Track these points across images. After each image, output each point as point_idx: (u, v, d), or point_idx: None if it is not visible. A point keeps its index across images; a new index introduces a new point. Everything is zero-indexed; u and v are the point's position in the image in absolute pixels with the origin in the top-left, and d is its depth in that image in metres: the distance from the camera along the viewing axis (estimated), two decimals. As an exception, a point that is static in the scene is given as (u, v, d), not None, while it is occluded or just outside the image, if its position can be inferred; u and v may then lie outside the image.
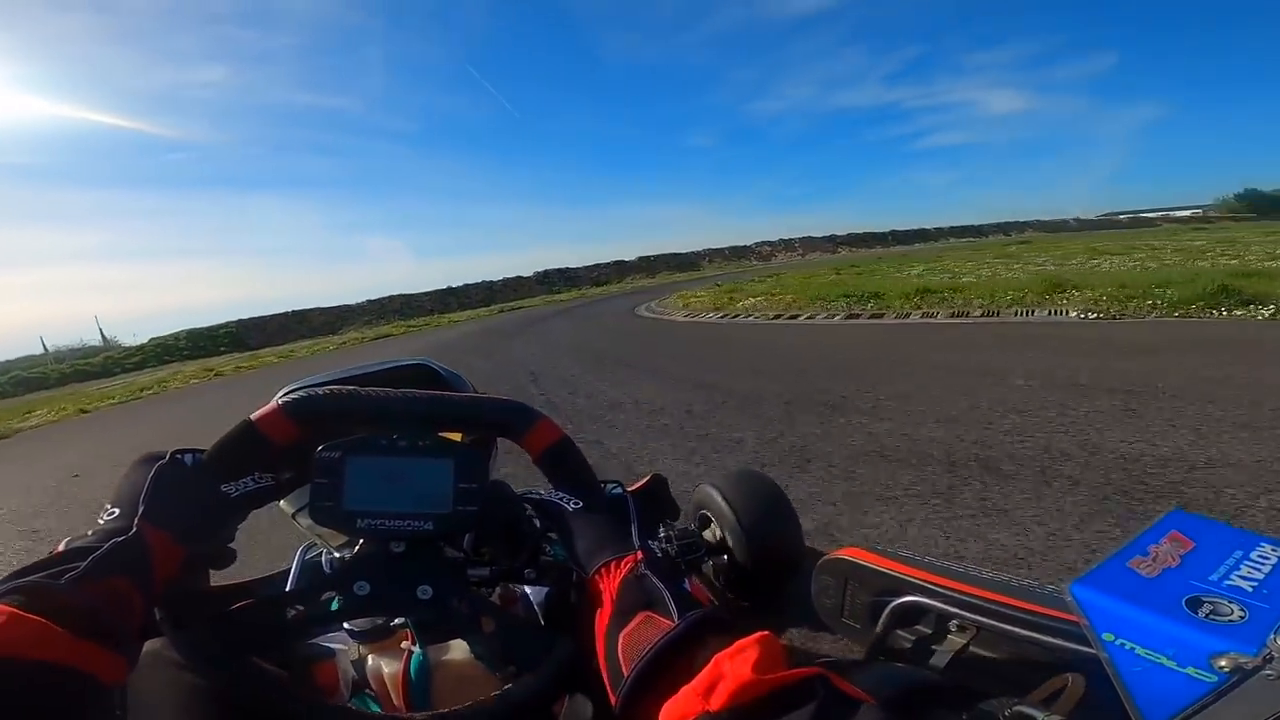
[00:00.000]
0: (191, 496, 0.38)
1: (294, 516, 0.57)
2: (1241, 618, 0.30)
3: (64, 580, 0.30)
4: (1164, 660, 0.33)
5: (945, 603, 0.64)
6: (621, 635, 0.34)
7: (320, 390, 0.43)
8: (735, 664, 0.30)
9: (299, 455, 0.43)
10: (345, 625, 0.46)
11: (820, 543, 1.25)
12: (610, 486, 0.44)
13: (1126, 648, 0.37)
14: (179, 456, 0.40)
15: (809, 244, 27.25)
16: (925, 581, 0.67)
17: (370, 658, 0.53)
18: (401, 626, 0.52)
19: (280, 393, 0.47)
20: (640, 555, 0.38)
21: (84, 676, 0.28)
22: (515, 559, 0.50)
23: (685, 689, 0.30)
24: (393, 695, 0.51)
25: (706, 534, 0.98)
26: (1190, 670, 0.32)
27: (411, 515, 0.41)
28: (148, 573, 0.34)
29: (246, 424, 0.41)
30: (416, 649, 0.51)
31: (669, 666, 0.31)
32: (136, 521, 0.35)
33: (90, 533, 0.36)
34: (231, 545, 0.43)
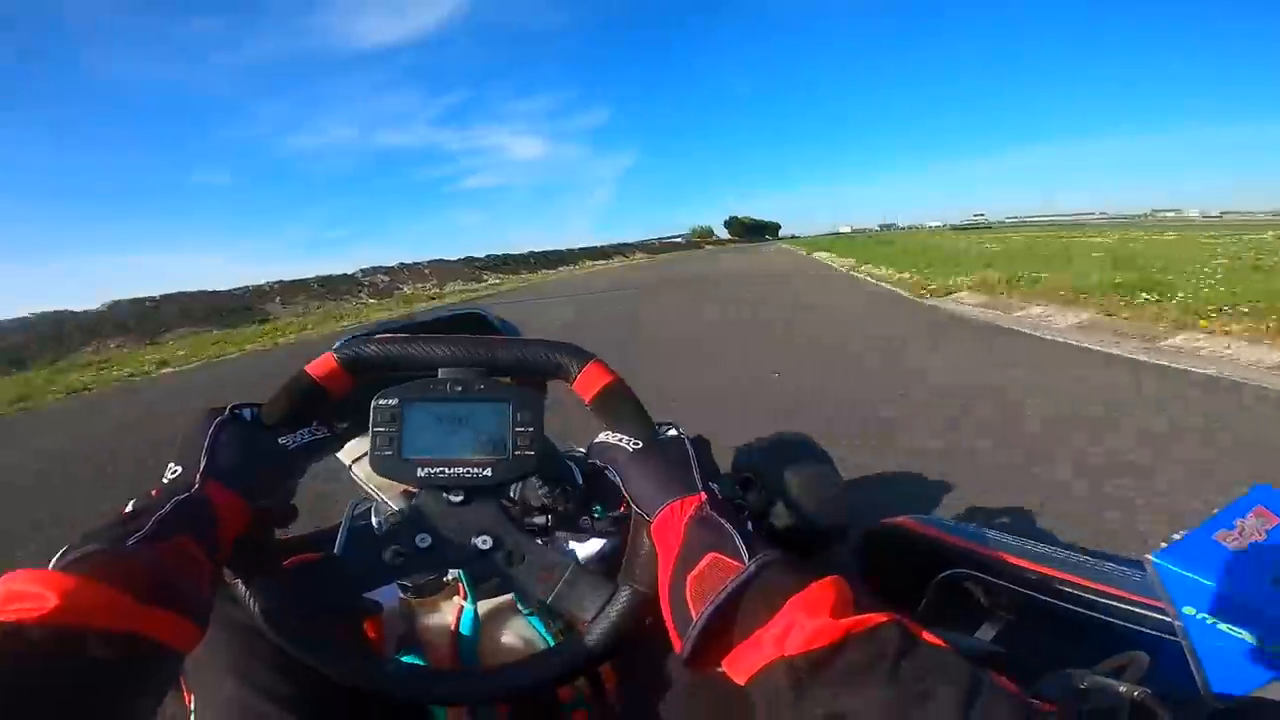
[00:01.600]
0: (251, 450, 0.40)
1: (351, 466, 0.60)
2: None
3: (130, 543, 0.31)
4: (1246, 636, 0.33)
5: (994, 575, 0.63)
6: (689, 578, 0.34)
7: (372, 337, 0.46)
8: (810, 608, 0.30)
9: (354, 407, 0.46)
10: (404, 578, 0.47)
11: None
12: (664, 428, 0.45)
13: (1207, 622, 0.35)
14: (238, 411, 0.42)
15: (444, 269, 20.91)
16: (974, 553, 0.66)
17: (419, 612, 0.55)
18: (454, 581, 0.55)
19: (339, 341, 0.51)
20: (704, 496, 0.39)
21: (156, 644, 0.29)
22: (567, 509, 0.53)
23: (757, 634, 0.30)
24: (441, 649, 0.53)
25: (750, 496, 1.01)
26: (1273, 648, 0.31)
27: (470, 462, 0.43)
28: (213, 530, 0.36)
29: (302, 375, 0.44)
30: (467, 604, 0.54)
31: (739, 611, 0.32)
32: (198, 477, 0.37)
33: (154, 491, 0.37)
34: (292, 502, 0.46)
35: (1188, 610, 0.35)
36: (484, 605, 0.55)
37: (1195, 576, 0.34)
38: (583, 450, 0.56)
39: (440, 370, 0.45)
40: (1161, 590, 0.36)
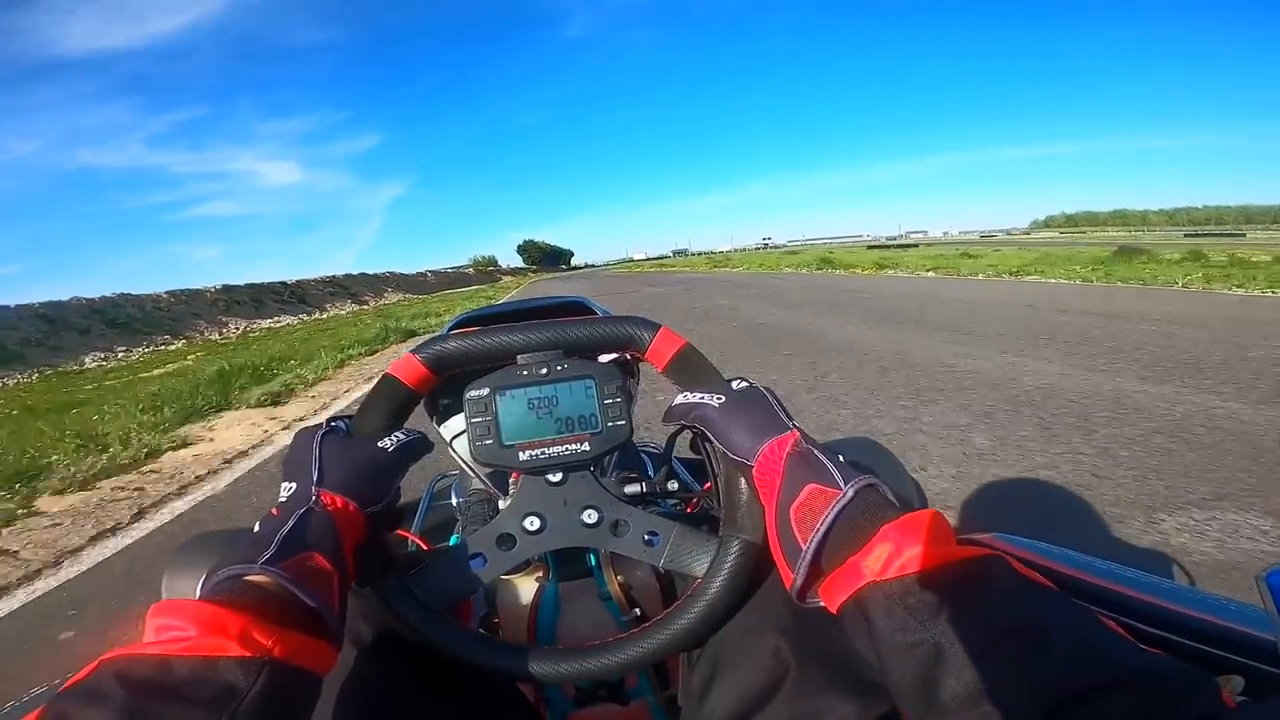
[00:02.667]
0: (356, 458, 0.43)
1: (451, 443, 0.63)
2: None
3: (259, 564, 0.33)
4: None
5: (1084, 599, 0.60)
6: (793, 510, 0.36)
7: (448, 335, 0.50)
8: (904, 535, 0.31)
9: (453, 388, 0.50)
10: (520, 562, 0.50)
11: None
12: (737, 383, 0.48)
13: None
14: (334, 424, 0.46)
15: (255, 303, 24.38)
16: (1069, 575, 0.65)
17: (499, 589, 0.58)
18: (538, 560, 0.58)
19: (452, 321, 0.61)
20: (797, 433, 0.41)
21: (293, 669, 0.30)
22: (655, 475, 0.57)
23: (851, 560, 0.32)
24: (519, 627, 0.57)
25: None
26: None
27: (567, 439, 0.47)
28: (336, 543, 0.37)
29: (388, 379, 0.47)
30: (550, 583, 0.57)
31: (837, 537, 0.33)
32: (313, 489, 0.39)
33: (274, 511, 0.39)
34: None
35: None
36: (565, 588, 0.57)
37: None
38: (649, 445, 0.65)
39: (519, 357, 0.48)
40: (1271, 608, 0.38)
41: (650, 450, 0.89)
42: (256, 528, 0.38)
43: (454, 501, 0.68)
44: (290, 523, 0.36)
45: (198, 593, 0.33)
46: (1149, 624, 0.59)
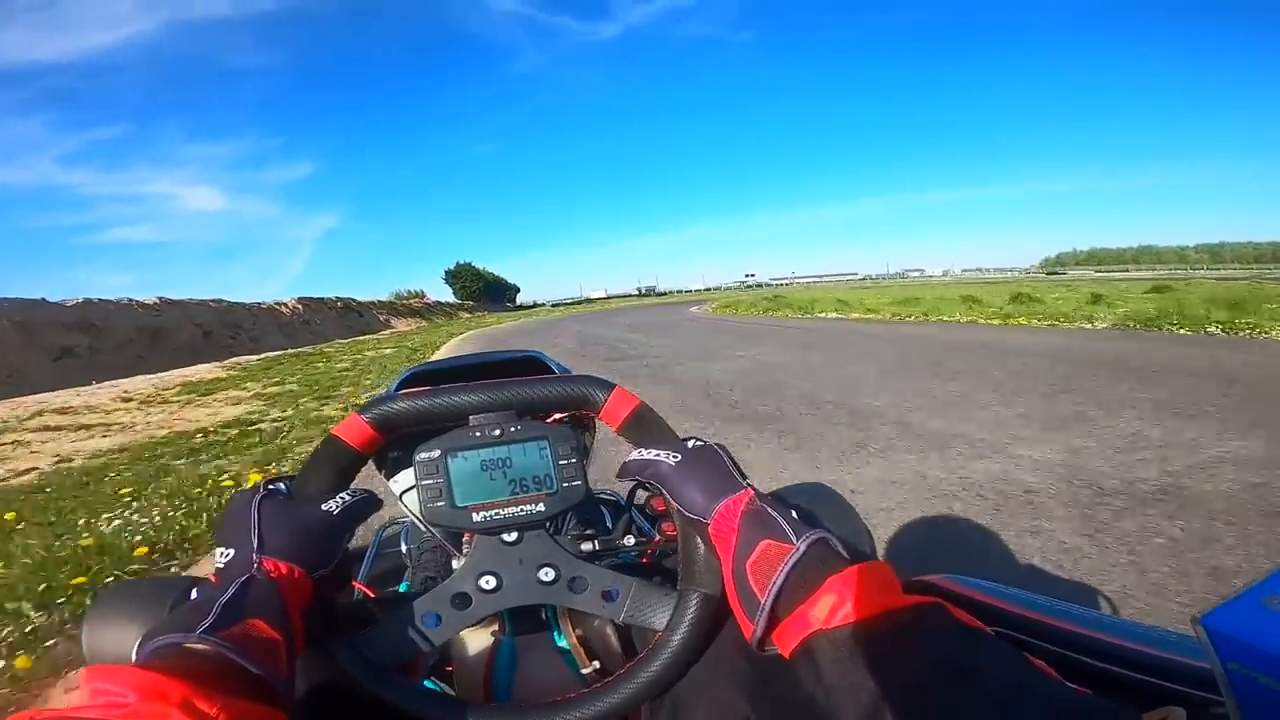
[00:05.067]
0: (298, 522, 0.46)
1: (401, 497, 0.66)
2: None
3: (198, 632, 0.34)
4: None
5: (1027, 633, 0.74)
6: (749, 565, 0.42)
7: (397, 395, 0.53)
8: (848, 586, 0.37)
9: (402, 438, 0.54)
10: (475, 621, 0.54)
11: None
12: (693, 442, 0.53)
13: (1249, 675, 0.46)
14: (272, 486, 0.48)
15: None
16: (1008, 612, 0.73)
17: (454, 648, 0.62)
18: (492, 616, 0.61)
19: (402, 375, 0.67)
20: (751, 492, 0.47)
21: None
22: (612, 530, 0.61)
23: (799, 609, 0.37)
24: (473, 680, 0.61)
25: None
26: None
27: (521, 500, 0.51)
28: (281, 607, 0.40)
29: (331, 440, 0.51)
30: (506, 636, 0.61)
31: (789, 588, 0.39)
32: (254, 557, 0.42)
33: (213, 579, 0.42)
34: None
35: (1233, 666, 0.46)
36: (522, 642, 0.61)
37: (1241, 634, 0.45)
38: (607, 491, 0.68)
39: (471, 418, 0.53)
40: (1209, 649, 0.47)
41: (607, 496, 0.93)
42: (194, 594, 0.41)
43: (403, 548, 0.73)
44: (231, 590, 0.39)
45: (133, 655, 0.35)
46: (1094, 658, 0.68)
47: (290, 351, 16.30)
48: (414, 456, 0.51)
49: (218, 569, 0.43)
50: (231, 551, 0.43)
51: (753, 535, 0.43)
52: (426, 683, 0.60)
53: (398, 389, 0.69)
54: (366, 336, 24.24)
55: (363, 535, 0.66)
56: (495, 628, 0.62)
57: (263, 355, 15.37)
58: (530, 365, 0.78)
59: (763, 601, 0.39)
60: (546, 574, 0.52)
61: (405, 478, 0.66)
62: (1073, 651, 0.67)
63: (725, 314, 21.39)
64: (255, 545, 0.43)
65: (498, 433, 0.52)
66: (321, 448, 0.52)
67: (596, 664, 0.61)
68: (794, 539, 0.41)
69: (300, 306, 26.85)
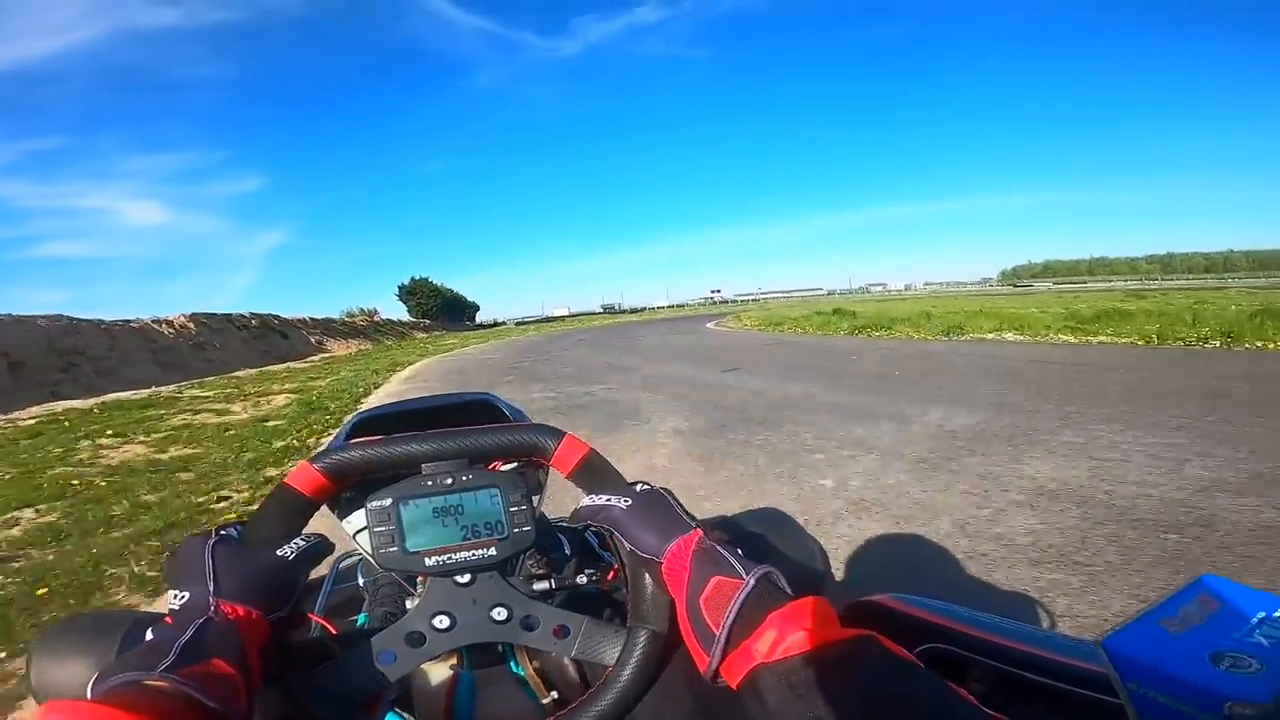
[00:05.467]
0: (253, 566, 0.48)
1: (354, 537, 0.68)
2: (1259, 670, 0.43)
3: (158, 671, 0.36)
4: (1184, 707, 0.46)
5: (969, 649, 0.78)
6: (702, 600, 0.45)
7: (349, 444, 0.55)
8: (789, 620, 0.40)
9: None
10: (429, 659, 0.56)
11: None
12: (641, 487, 0.57)
13: (1149, 695, 0.49)
14: (224, 532, 0.50)
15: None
16: (950, 629, 0.80)
17: (415, 682, 0.64)
18: (450, 650, 0.63)
19: (349, 422, 0.70)
20: (700, 532, 0.51)
21: None
22: (564, 571, 0.65)
23: (744, 643, 0.40)
24: (434, 714, 0.63)
25: None
26: (1208, 716, 0.44)
27: (473, 545, 0.54)
28: (240, 649, 0.42)
29: (283, 489, 0.53)
30: (464, 670, 0.64)
31: (743, 623, 0.41)
32: (211, 599, 0.44)
33: (167, 619, 0.43)
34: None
35: (1133, 686, 0.49)
36: (481, 675, 0.64)
37: (1140, 657, 0.48)
38: (565, 521, 0.69)
39: (424, 466, 0.56)
40: (1111, 671, 0.50)
41: (565, 525, 0.97)
42: (150, 634, 0.42)
43: (360, 581, 0.75)
44: (190, 631, 0.41)
45: (88, 691, 0.36)
46: (1030, 671, 0.73)
47: (134, 396, 11.07)
48: (366, 503, 0.54)
49: (172, 610, 0.45)
50: (187, 594, 0.45)
51: (705, 572, 0.47)
52: (390, 716, 0.62)
53: (348, 435, 0.72)
54: (283, 366, 18.85)
55: (320, 566, 0.67)
56: (454, 661, 0.65)
57: (100, 398, 10.76)
58: (482, 409, 0.81)
59: (718, 634, 0.42)
60: (499, 613, 0.55)
61: (358, 518, 0.69)
62: (1010, 666, 0.73)
63: (782, 333, 16.30)
64: (211, 589, 0.45)
65: (449, 481, 0.55)
66: (273, 495, 0.54)
67: (555, 694, 0.64)
68: (743, 574, 0.45)
69: (191, 325, 20.55)
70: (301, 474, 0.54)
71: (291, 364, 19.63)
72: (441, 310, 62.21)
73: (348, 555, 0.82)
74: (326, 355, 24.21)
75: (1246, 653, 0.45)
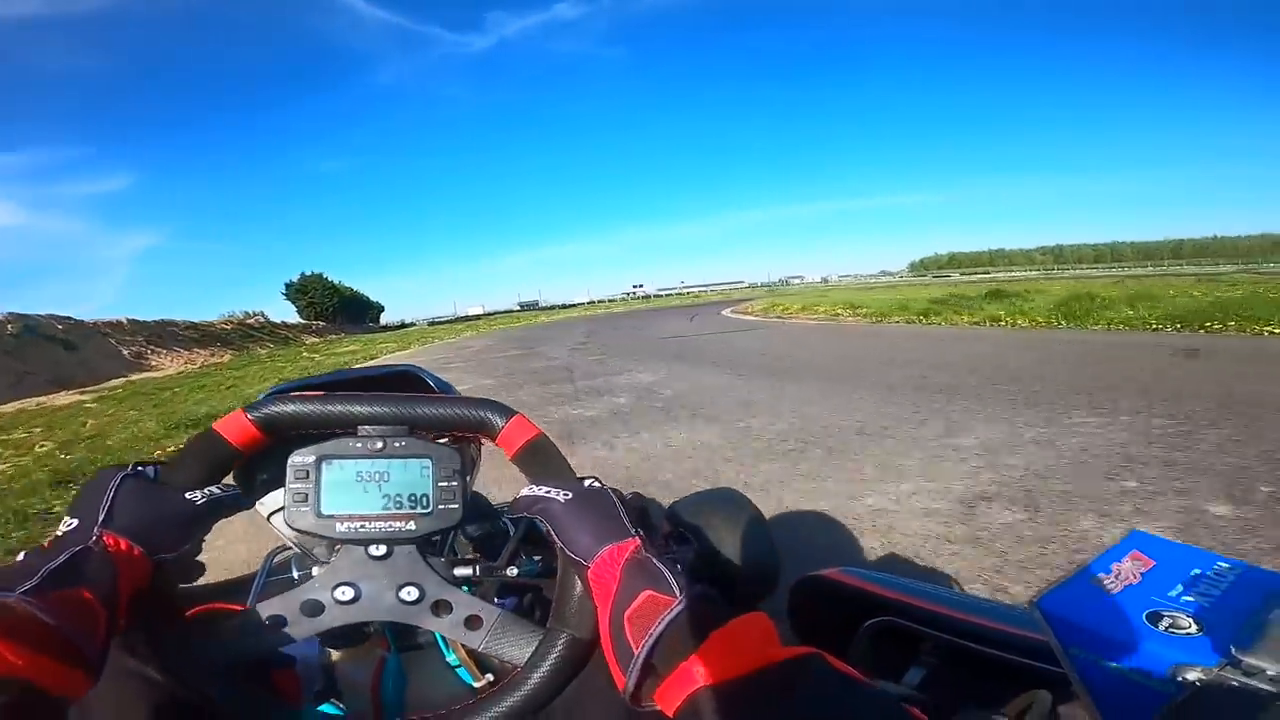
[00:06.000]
0: (154, 505, 0.48)
1: (269, 519, 0.68)
2: (1199, 630, 0.44)
3: (17, 593, 0.37)
4: (1127, 672, 0.46)
5: (919, 622, 0.80)
6: (626, 615, 0.43)
7: (286, 395, 0.55)
8: (731, 640, 0.39)
9: (275, 459, 0.55)
10: (323, 631, 0.54)
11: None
12: (589, 481, 0.55)
13: (1092, 660, 0.48)
14: (141, 468, 0.51)
15: None
16: (899, 601, 0.83)
17: (340, 662, 0.63)
18: (376, 631, 0.63)
19: (265, 393, 0.64)
20: (638, 541, 0.49)
21: (39, 691, 0.35)
22: (497, 559, 0.62)
23: (682, 665, 0.38)
24: (361, 701, 0.61)
25: (683, 550, 1.19)
26: (1152, 681, 0.44)
27: (392, 516, 0.52)
28: (111, 583, 0.43)
29: (210, 434, 0.53)
30: (390, 654, 0.62)
31: (674, 643, 0.40)
32: (95, 529, 0.45)
33: (46, 544, 0.45)
34: (199, 559, 0.55)
35: (1073, 650, 0.49)
36: (408, 656, 0.63)
37: (1076, 618, 0.48)
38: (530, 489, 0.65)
39: (360, 428, 0.54)
40: (1048, 631, 0.50)
41: (536, 496, 0.95)
42: (21, 557, 0.42)
43: (294, 575, 0.73)
44: (61, 558, 0.41)
45: None
46: (976, 642, 0.75)
47: None
48: (288, 460, 0.53)
49: (56, 536, 0.45)
50: (75, 521, 0.46)
51: (634, 585, 0.45)
52: (318, 707, 0.61)
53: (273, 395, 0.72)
54: (43, 398, 11.83)
55: (251, 564, 0.71)
56: (380, 646, 0.63)
57: None
58: (405, 380, 0.79)
59: (637, 653, 0.41)
60: (409, 593, 0.52)
61: (273, 499, 0.66)
62: (958, 637, 0.76)
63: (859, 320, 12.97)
64: (100, 519, 0.45)
65: (379, 445, 0.53)
66: (197, 439, 0.53)
67: (490, 677, 0.63)
68: (676, 592, 0.43)
69: None
70: (231, 422, 0.53)
71: (76, 392, 12.89)
72: (339, 310, 55.43)
73: (283, 548, 0.80)
74: (147, 376, 16.32)
75: (1184, 611, 0.46)
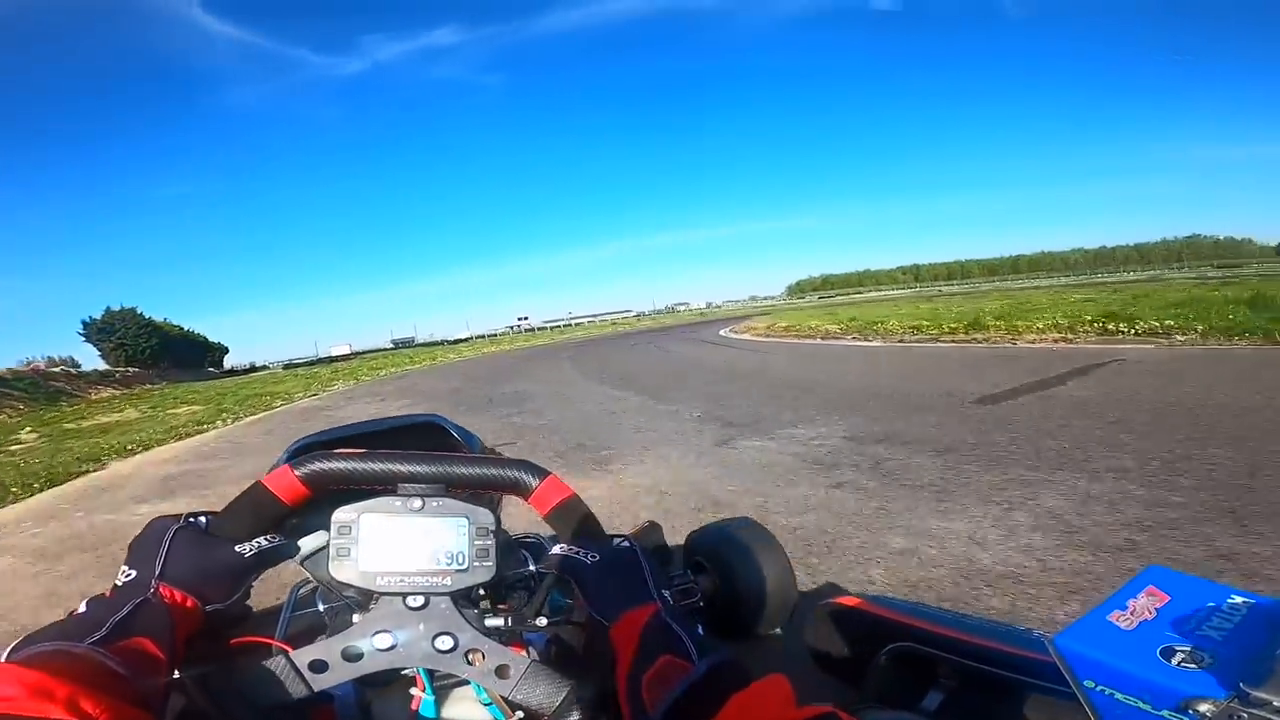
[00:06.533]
0: (206, 557, 0.53)
1: (302, 563, 0.71)
2: (1211, 664, 0.48)
3: (87, 643, 0.41)
4: (1142, 705, 0.50)
5: (936, 647, 0.82)
6: (645, 678, 0.46)
7: (331, 453, 0.59)
8: (751, 705, 0.41)
9: (302, 508, 0.62)
10: (362, 675, 0.58)
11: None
12: (618, 541, 0.60)
13: (1106, 694, 0.52)
14: (192, 520, 0.56)
15: None
16: (916, 627, 0.85)
17: (376, 702, 0.67)
18: (410, 671, 0.65)
19: (289, 448, 0.77)
20: (658, 605, 0.52)
21: None
22: (528, 608, 0.66)
23: None
24: None
25: (702, 579, 1.21)
26: (1165, 714, 0.48)
27: (430, 573, 0.57)
28: (169, 632, 0.47)
29: (258, 486, 0.59)
30: (426, 694, 0.65)
31: (692, 708, 0.42)
32: (154, 581, 0.49)
33: (108, 593, 0.49)
34: (248, 603, 0.60)
35: (1089, 684, 0.53)
36: (444, 696, 0.67)
37: (1092, 653, 0.52)
38: (537, 536, 0.76)
39: (400, 485, 0.60)
40: (1065, 667, 0.53)
41: (565, 558, 0.97)
42: (83, 608, 0.47)
43: (320, 608, 0.76)
44: (126, 609, 0.46)
45: (4, 654, 0.40)
46: (1001, 668, 0.76)
47: None
48: (331, 515, 0.57)
49: (116, 585, 0.50)
50: (134, 573, 0.50)
51: (653, 649, 0.48)
52: None
53: (299, 450, 0.73)
54: None
55: (278, 594, 0.73)
56: (416, 687, 0.66)
57: None
58: (430, 431, 0.85)
59: (652, 715, 0.43)
60: (444, 642, 0.57)
61: (306, 544, 0.68)
62: (974, 661, 0.78)
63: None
64: (157, 571, 0.50)
65: (418, 504, 0.58)
66: (247, 493, 0.57)
67: (520, 715, 0.65)
68: (694, 658, 0.46)
69: None
70: (279, 477, 0.57)
71: None
72: (162, 354, 46.01)
73: (306, 581, 0.84)
74: None
75: (1197, 645, 0.49)
